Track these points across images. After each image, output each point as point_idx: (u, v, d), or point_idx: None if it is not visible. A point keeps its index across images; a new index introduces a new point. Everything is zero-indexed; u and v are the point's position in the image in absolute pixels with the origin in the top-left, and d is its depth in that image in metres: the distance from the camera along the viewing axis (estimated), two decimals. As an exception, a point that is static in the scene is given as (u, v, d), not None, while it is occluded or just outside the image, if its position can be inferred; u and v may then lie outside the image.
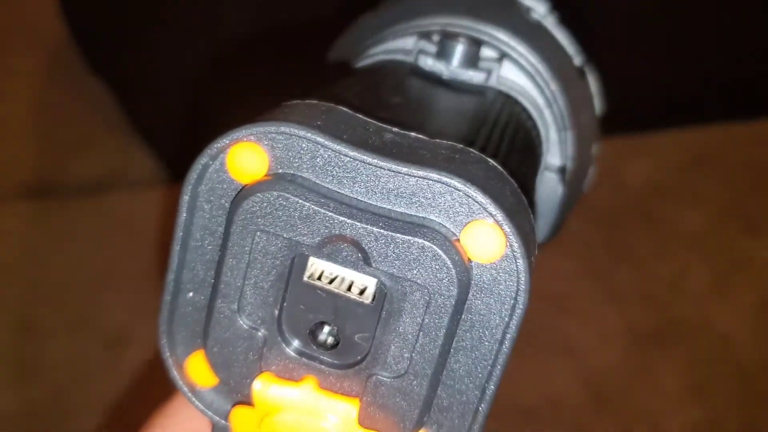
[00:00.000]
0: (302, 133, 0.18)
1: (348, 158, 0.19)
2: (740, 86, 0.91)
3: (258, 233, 0.19)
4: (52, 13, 0.80)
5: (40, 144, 0.96)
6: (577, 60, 0.36)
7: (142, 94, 0.84)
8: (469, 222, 0.19)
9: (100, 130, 0.96)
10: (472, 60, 0.30)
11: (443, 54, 0.30)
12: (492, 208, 0.18)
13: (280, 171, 0.19)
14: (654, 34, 0.83)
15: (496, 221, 0.18)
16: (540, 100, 0.32)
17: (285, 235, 0.19)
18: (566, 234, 0.85)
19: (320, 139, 0.18)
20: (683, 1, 0.80)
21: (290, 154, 0.19)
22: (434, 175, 0.18)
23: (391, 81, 0.29)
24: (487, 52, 0.31)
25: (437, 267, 0.18)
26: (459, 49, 0.29)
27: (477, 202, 0.18)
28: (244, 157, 0.19)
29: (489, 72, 0.30)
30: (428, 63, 0.30)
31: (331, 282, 0.19)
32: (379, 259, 0.19)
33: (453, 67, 0.29)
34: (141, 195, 0.91)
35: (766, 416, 0.77)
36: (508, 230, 0.18)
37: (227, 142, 0.19)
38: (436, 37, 0.31)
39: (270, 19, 0.75)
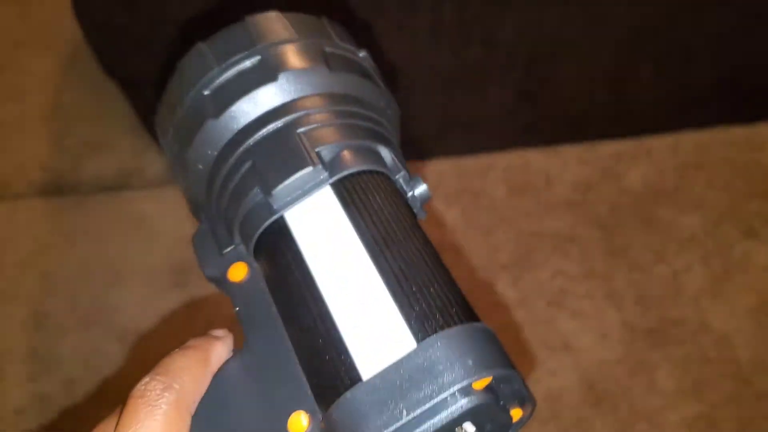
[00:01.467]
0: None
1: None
2: (738, 91, 0.92)
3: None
4: (67, 16, 0.82)
5: (55, 143, 0.98)
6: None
7: (154, 95, 0.85)
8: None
9: (114, 130, 0.97)
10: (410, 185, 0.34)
11: (410, 184, 0.34)
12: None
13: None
14: (653, 40, 0.84)
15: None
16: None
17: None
18: (566, 235, 0.87)
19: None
20: (682, 8, 0.81)
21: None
22: None
23: (408, 218, 0.32)
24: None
25: None
26: (423, 185, 0.34)
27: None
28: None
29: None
30: (405, 188, 0.34)
31: None
32: None
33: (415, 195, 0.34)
34: (153, 194, 0.93)
35: (762, 415, 0.78)
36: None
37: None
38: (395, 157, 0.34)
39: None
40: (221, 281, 0.32)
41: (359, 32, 0.75)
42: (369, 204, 0.31)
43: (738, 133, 0.94)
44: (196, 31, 0.78)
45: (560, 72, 0.86)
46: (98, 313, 0.84)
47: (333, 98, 0.34)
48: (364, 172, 0.32)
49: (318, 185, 0.31)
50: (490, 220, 0.89)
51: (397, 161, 0.34)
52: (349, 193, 0.31)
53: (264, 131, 0.33)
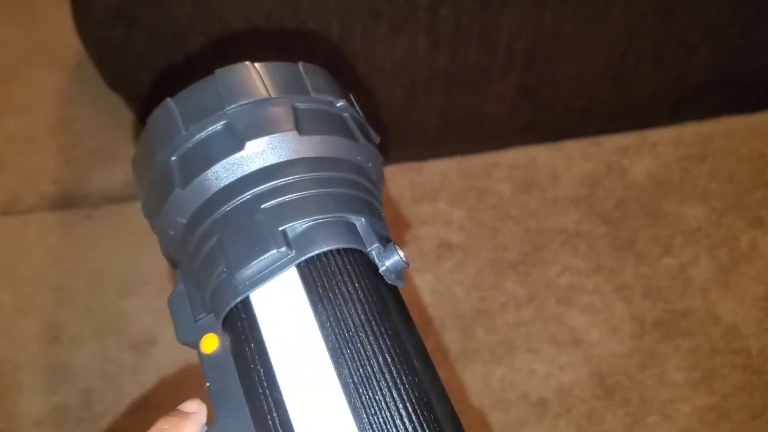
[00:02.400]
0: None
1: None
2: (738, 82, 0.92)
3: None
4: (71, 30, 0.83)
5: (63, 156, 0.99)
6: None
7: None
8: None
9: (121, 141, 0.98)
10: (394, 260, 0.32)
11: (383, 256, 0.32)
12: None
13: None
14: (651, 34, 0.84)
15: None
16: None
17: None
18: (574, 230, 0.87)
19: None
20: (678, 0, 0.81)
21: None
22: None
23: (390, 303, 0.30)
24: None
25: None
26: (395, 256, 0.32)
27: None
28: None
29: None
30: (377, 262, 0.32)
31: None
32: None
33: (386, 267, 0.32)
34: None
35: (773, 404, 0.78)
36: None
37: None
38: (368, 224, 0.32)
39: (282, 37, 0.77)
40: (194, 348, 0.32)
41: (357, 37, 0.75)
42: (335, 291, 0.29)
43: (740, 123, 0.94)
44: (195, 43, 0.79)
45: (560, 68, 0.86)
46: (112, 322, 0.84)
47: (304, 164, 0.32)
48: (332, 251, 0.30)
49: (283, 266, 0.29)
50: (497, 218, 0.89)
51: (372, 229, 0.32)
52: (314, 278, 0.29)
53: (229, 205, 0.31)
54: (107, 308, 0.85)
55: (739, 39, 0.86)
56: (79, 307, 0.85)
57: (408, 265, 0.32)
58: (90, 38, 0.80)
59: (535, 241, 0.88)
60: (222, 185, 0.32)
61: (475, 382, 0.79)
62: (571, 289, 0.85)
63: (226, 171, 0.32)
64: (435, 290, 0.83)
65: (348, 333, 0.28)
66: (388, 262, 0.31)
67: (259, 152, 0.32)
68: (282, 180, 0.31)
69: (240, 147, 0.31)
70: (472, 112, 0.90)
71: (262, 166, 0.32)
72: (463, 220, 0.89)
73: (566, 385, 0.79)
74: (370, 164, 0.36)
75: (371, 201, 0.34)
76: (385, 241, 0.32)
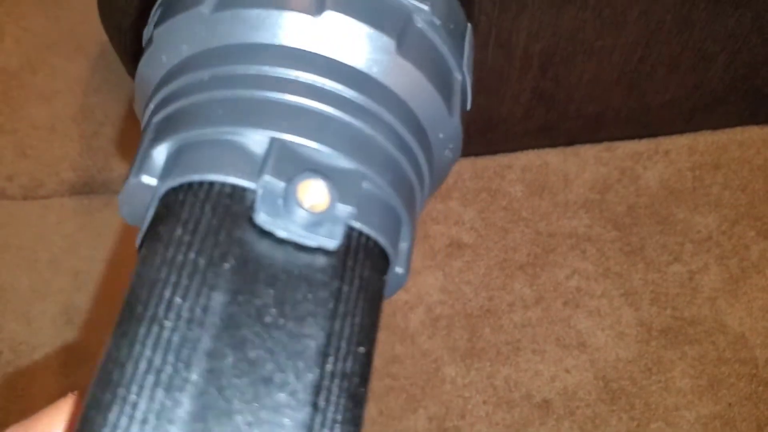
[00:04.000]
0: None
1: None
2: (754, 92, 0.92)
3: None
4: (95, 19, 0.84)
5: (84, 144, 1.00)
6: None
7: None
8: None
9: (141, 130, 1.00)
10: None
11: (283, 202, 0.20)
12: None
13: None
14: (668, 41, 0.84)
15: None
16: None
17: None
18: (584, 234, 0.88)
19: None
20: (696, 9, 0.81)
21: None
22: None
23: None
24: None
25: None
26: (297, 200, 0.20)
27: None
28: None
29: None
30: (256, 205, 0.20)
31: None
32: None
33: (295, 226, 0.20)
34: (178, 193, 0.94)
35: (778, 415, 0.78)
36: None
37: None
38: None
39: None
40: None
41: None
42: (167, 243, 0.19)
43: (755, 133, 0.93)
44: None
45: (576, 73, 0.86)
46: (126, 309, 0.86)
47: (212, 56, 0.22)
48: (193, 183, 0.20)
49: (152, 201, 0.21)
50: (508, 219, 0.90)
51: (283, 154, 0.20)
52: (161, 221, 0.20)
53: (146, 114, 0.24)
54: (123, 294, 0.86)
55: (759, 48, 0.86)
56: (95, 293, 0.87)
57: (312, 213, 0.19)
58: (114, 27, 0.82)
59: (544, 244, 0.88)
60: (151, 88, 0.24)
61: (481, 380, 0.80)
62: (579, 292, 0.85)
63: (148, 69, 0.24)
64: (444, 288, 0.84)
65: (145, 296, 0.19)
66: (285, 208, 0.19)
67: (167, 43, 0.23)
68: (182, 80, 0.22)
69: (150, 41, 0.23)
70: (487, 113, 0.91)
71: (174, 62, 0.23)
72: (474, 220, 0.90)
73: (571, 387, 0.80)
74: (375, 57, 0.22)
75: (318, 110, 0.21)
76: (301, 171, 0.20)
